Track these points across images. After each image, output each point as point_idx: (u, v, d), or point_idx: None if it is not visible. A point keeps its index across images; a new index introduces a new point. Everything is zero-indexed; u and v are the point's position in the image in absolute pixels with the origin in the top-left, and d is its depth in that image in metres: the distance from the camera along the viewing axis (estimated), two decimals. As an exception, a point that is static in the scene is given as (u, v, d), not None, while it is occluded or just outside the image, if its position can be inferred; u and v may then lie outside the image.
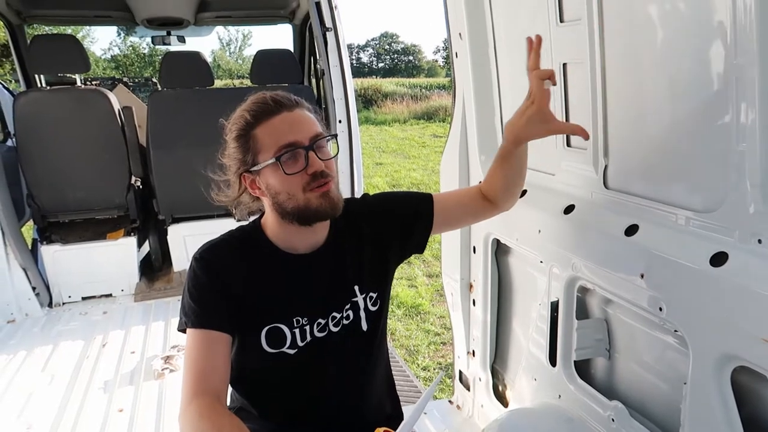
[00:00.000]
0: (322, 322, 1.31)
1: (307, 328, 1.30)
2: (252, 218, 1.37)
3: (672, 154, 1.30)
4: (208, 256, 1.27)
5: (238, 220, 1.38)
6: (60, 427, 2.34)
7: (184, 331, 1.25)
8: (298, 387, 1.34)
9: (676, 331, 1.24)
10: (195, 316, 1.22)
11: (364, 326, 1.36)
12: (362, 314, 1.36)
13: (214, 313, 1.22)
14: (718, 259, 1.11)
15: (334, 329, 1.33)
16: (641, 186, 1.38)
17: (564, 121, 1.57)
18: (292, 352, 1.29)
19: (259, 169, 1.22)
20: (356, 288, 1.35)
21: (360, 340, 1.37)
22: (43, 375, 2.78)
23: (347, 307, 1.34)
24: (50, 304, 3.62)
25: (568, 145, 1.61)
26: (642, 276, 1.27)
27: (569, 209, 1.57)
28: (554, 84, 1.31)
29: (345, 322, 1.34)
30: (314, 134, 1.22)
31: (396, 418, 1.51)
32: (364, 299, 1.36)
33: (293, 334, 1.29)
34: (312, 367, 1.32)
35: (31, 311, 3.47)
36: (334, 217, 1.27)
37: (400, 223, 1.44)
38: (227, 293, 1.24)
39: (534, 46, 1.31)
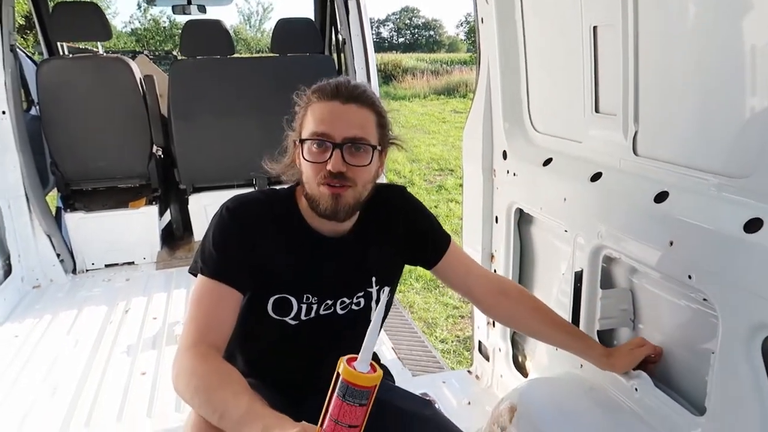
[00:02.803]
0: (330, 302, 1.32)
1: (315, 306, 1.31)
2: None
3: (705, 118, 1.26)
4: (241, 209, 1.26)
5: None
6: (84, 388, 2.39)
7: (194, 274, 1.25)
8: (292, 356, 1.36)
9: (704, 299, 1.21)
10: (214, 264, 1.22)
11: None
12: (373, 305, 1.37)
13: (234, 268, 1.22)
14: (753, 225, 1.07)
15: (340, 312, 1.34)
16: (672, 152, 1.34)
17: (595, 95, 1.56)
18: (293, 323, 1.30)
19: (301, 142, 1.23)
20: (374, 279, 1.36)
21: (364, 326, 1.36)
22: (68, 339, 2.83)
23: (359, 294, 1.35)
24: (74, 271, 3.68)
25: (597, 110, 1.56)
26: (671, 243, 1.24)
27: (596, 177, 1.53)
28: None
29: (354, 307, 1.35)
30: (351, 135, 1.19)
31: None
32: (378, 291, 1.37)
33: (300, 308, 1.30)
34: (308, 340, 1.33)
35: (56, 277, 3.53)
36: (335, 220, 1.25)
37: (416, 242, 1.43)
38: (250, 252, 1.24)
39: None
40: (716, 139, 1.23)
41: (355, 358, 0.91)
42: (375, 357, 1.58)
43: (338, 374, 0.90)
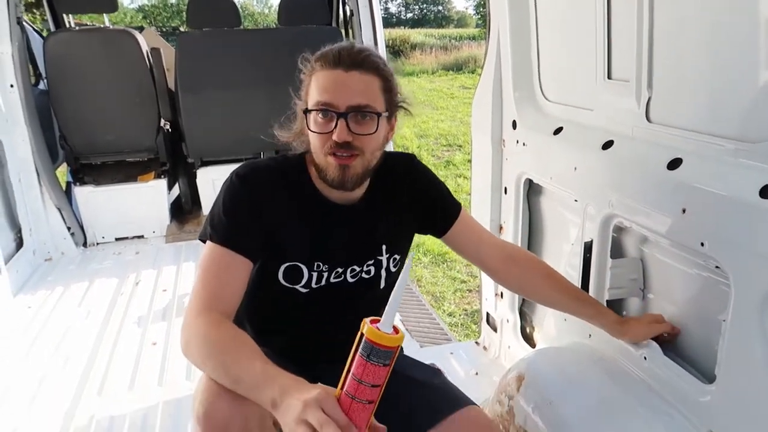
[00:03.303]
0: (340, 270, 1.32)
1: (325, 274, 1.30)
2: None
3: (720, 83, 1.23)
4: (252, 175, 1.25)
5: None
6: (97, 357, 2.42)
7: (204, 241, 1.24)
8: (303, 324, 1.36)
9: (717, 267, 1.20)
10: (224, 232, 1.21)
11: (382, 285, 1.38)
12: (383, 273, 1.37)
13: (245, 235, 1.21)
14: (769, 190, 1.06)
15: (351, 280, 1.34)
16: (687, 118, 1.31)
17: (607, 61, 1.53)
18: (304, 291, 1.30)
19: (306, 112, 1.21)
20: (384, 247, 1.35)
21: (374, 295, 1.38)
22: (80, 310, 2.87)
23: (370, 263, 1.35)
24: (85, 244, 3.71)
25: (609, 77, 1.53)
26: (684, 211, 1.22)
27: (608, 145, 1.51)
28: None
29: (364, 276, 1.35)
30: (355, 104, 1.16)
31: None
32: (388, 260, 1.37)
33: (310, 276, 1.29)
34: (319, 308, 1.33)
35: (67, 250, 3.56)
36: (343, 190, 1.23)
37: (426, 210, 1.42)
38: (261, 219, 1.23)
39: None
40: (732, 104, 1.20)
41: (378, 320, 0.90)
42: None
43: (362, 335, 0.89)
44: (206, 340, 1.10)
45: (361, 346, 0.89)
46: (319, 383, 0.94)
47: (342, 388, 0.91)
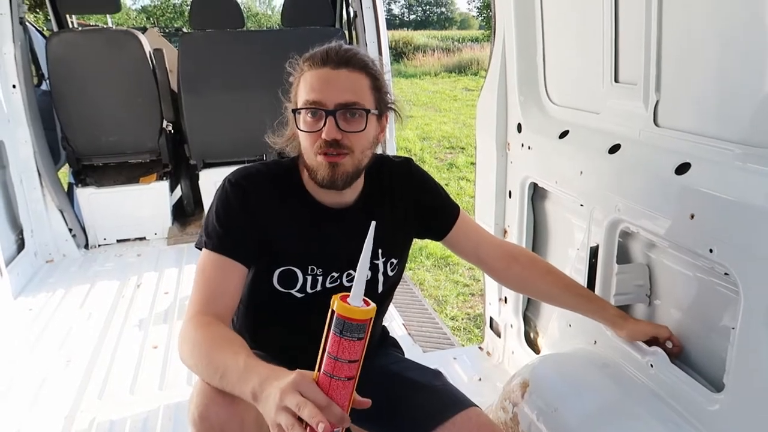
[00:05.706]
0: (336, 275, 1.31)
1: (320, 278, 1.29)
2: None
3: (730, 86, 1.22)
4: (244, 182, 1.25)
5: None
6: (98, 360, 2.41)
7: (200, 249, 1.24)
8: (300, 330, 1.33)
9: (726, 273, 1.18)
10: (218, 239, 1.21)
11: (380, 289, 1.37)
12: (380, 277, 1.36)
13: (238, 242, 1.21)
14: (779, 196, 1.04)
15: (347, 285, 1.32)
16: (695, 122, 1.30)
17: (615, 64, 1.52)
18: (299, 295, 1.29)
19: (295, 112, 1.21)
20: (380, 251, 1.34)
21: (372, 299, 1.36)
22: (81, 312, 2.86)
23: None
24: (86, 246, 3.70)
25: (616, 80, 1.52)
26: (692, 217, 1.21)
27: (614, 149, 1.49)
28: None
29: None
30: (343, 101, 1.15)
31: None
32: (385, 264, 1.35)
33: (305, 280, 1.28)
34: (316, 313, 1.31)
35: (69, 252, 3.55)
36: (334, 189, 1.22)
37: (424, 214, 1.41)
38: (254, 224, 1.22)
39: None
40: (740, 108, 1.19)
41: (348, 295, 0.90)
42: (384, 331, 1.57)
43: (333, 311, 0.88)
44: (194, 341, 1.09)
45: (333, 323, 0.88)
46: (298, 369, 0.92)
47: (319, 369, 0.90)
